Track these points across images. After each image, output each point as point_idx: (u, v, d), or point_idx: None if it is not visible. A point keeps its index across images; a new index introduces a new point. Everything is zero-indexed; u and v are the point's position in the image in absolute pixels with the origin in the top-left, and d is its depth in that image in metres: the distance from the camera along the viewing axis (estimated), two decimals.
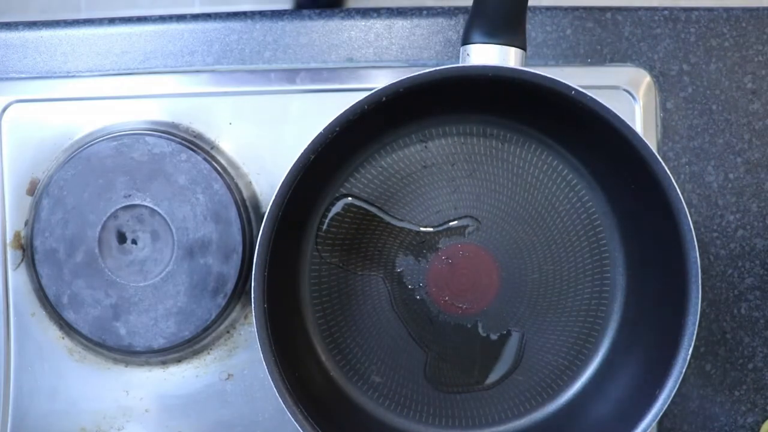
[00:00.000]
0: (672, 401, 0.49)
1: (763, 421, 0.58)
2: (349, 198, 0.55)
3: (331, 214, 0.55)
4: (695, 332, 0.48)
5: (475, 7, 0.49)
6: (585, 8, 0.58)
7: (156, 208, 0.53)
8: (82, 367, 0.55)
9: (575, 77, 0.55)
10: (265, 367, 0.48)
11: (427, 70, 0.47)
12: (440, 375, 0.56)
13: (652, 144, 0.56)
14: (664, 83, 0.58)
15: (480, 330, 0.56)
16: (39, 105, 0.55)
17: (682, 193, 0.46)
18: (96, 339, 0.53)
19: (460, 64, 0.49)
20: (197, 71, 0.56)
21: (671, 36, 0.58)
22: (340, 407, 0.55)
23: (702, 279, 0.48)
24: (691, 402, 0.57)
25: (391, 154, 0.55)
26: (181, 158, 0.53)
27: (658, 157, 0.46)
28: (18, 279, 0.55)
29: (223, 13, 0.56)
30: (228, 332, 0.55)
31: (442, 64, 0.46)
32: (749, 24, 0.58)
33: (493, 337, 0.56)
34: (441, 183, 0.55)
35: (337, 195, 0.55)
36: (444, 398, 0.56)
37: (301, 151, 0.48)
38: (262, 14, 0.56)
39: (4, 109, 0.55)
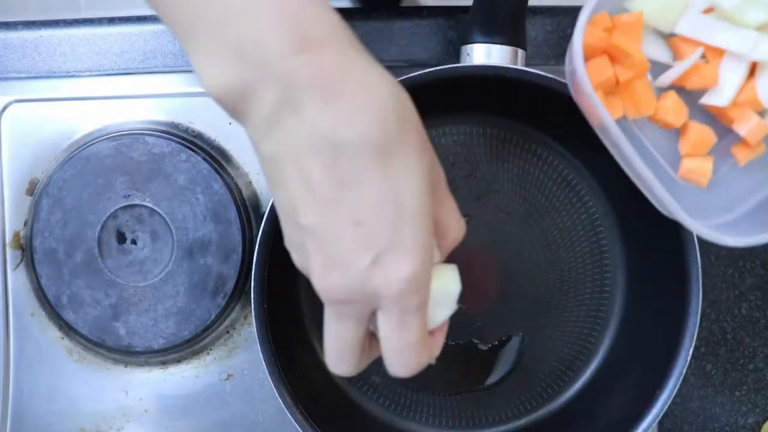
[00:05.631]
0: (672, 401, 0.49)
1: (764, 422, 0.57)
2: None
3: None
4: (696, 332, 0.48)
5: (476, 6, 0.49)
6: None
7: (156, 208, 0.53)
8: (82, 367, 0.55)
9: None
10: (265, 367, 0.48)
11: (427, 70, 0.47)
12: (439, 375, 0.56)
13: None
14: None
15: (478, 339, 0.56)
16: (38, 105, 0.55)
17: None
18: (95, 339, 0.53)
19: (460, 64, 0.49)
20: None
21: None
22: (340, 407, 0.55)
23: (702, 279, 0.48)
24: (691, 402, 0.57)
25: None
26: (181, 158, 0.53)
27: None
28: (17, 279, 0.55)
29: None
30: (228, 332, 0.55)
31: (442, 64, 0.46)
32: None
33: (494, 339, 0.56)
34: None
35: None
36: (444, 399, 0.56)
37: None
38: None
39: (4, 109, 0.54)
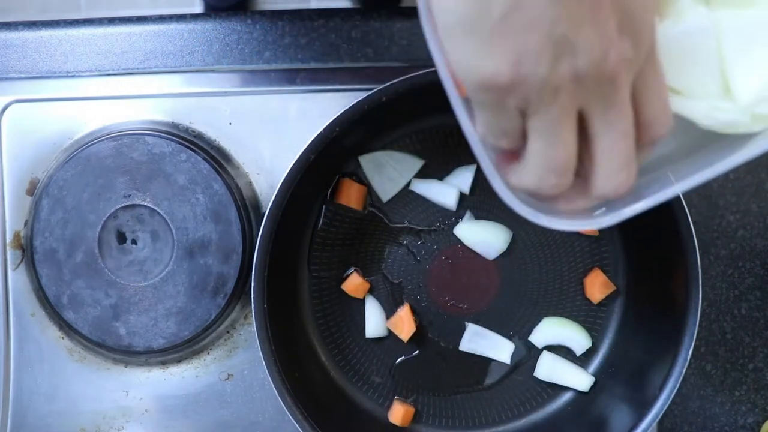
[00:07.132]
0: (672, 401, 0.49)
1: (764, 422, 0.57)
2: (345, 177, 0.55)
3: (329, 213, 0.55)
4: (695, 332, 0.48)
5: None
6: None
7: (156, 208, 0.53)
8: (82, 367, 0.55)
9: None
10: (265, 367, 0.48)
11: (428, 70, 0.47)
12: (439, 375, 0.56)
13: None
14: None
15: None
16: (39, 105, 0.55)
17: (681, 193, 0.46)
18: (96, 339, 0.53)
19: None
20: (197, 71, 0.56)
21: None
22: (340, 407, 0.55)
23: (702, 279, 0.48)
24: (691, 402, 0.57)
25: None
26: (181, 158, 0.53)
27: None
28: (18, 279, 0.55)
29: (224, 13, 0.56)
30: (228, 332, 0.55)
31: None
32: None
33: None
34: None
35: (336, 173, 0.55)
36: (444, 399, 0.56)
37: (301, 151, 0.48)
38: (262, 14, 0.56)
39: (4, 109, 0.55)
